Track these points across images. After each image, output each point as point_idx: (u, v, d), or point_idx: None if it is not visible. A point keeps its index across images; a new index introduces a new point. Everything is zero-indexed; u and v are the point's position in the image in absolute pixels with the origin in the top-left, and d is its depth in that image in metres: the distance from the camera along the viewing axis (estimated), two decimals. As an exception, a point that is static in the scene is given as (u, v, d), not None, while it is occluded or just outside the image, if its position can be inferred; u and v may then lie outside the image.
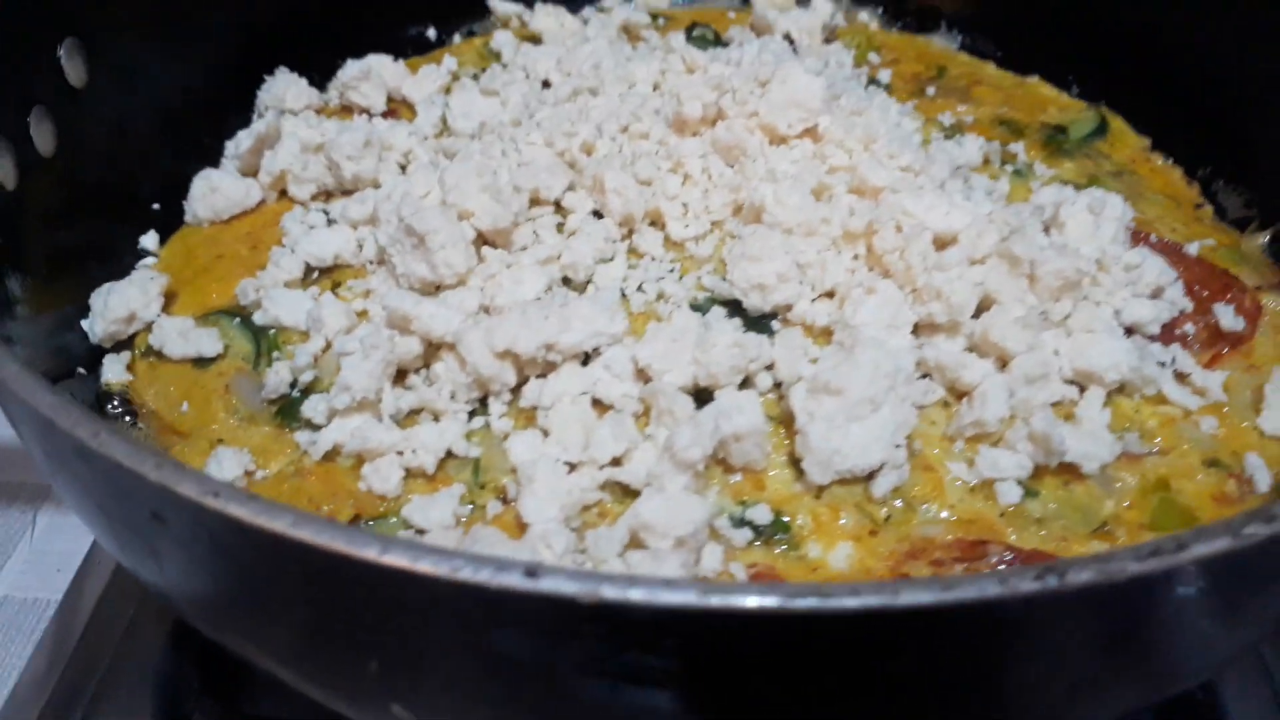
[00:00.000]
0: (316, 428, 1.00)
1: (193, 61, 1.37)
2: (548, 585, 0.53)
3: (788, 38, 1.58)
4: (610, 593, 0.52)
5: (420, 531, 0.92)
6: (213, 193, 1.26)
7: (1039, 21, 1.57)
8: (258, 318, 1.12)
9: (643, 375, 1.01)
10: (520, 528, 0.92)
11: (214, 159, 1.35)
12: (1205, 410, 1.03)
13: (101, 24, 1.21)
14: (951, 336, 1.05)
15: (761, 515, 0.93)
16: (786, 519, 0.93)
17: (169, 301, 1.16)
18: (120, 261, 1.24)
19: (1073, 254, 1.05)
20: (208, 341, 1.09)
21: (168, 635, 1.19)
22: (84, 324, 1.12)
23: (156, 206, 1.30)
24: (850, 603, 0.53)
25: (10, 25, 1.08)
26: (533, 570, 0.54)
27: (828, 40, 1.59)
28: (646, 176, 1.20)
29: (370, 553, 0.56)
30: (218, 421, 1.04)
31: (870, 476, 0.94)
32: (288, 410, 1.03)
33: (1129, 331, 1.07)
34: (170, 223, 1.29)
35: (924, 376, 1.03)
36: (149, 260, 1.25)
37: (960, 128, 1.41)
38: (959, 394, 1.02)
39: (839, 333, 1.03)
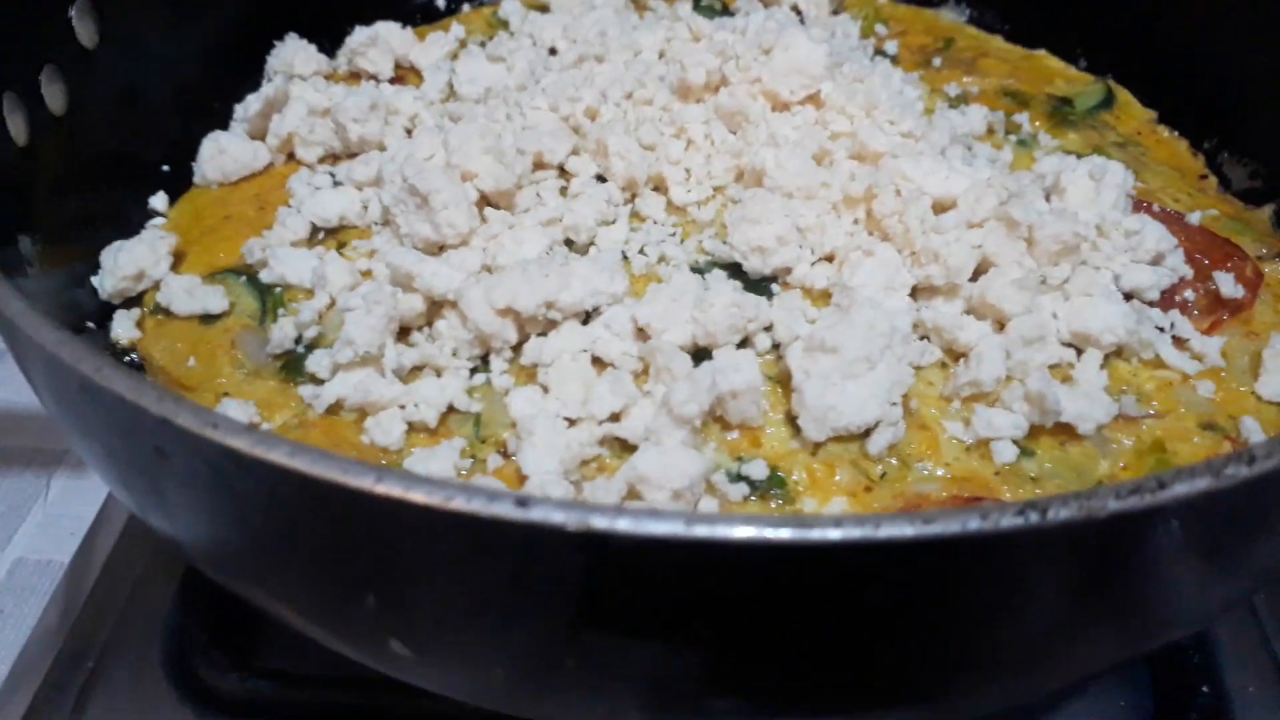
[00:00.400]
0: (320, 382, 1.02)
1: (204, 26, 1.38)
2: (538, 514, 0.54)
3: (795, 9, 1.58)
4: (599, 522, 0.53)
5: (420, 482, 0.93)
6: (221, 154, 1.27)
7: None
8: (264, 276, 1.13)
9: (642, 334, 1.02)
10: (520, 480, 0.93)
11: (223, 122, 1.37)
12: (1203, 375, 1.04)
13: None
14: (949, 299, 1.05)
15: (758, 470, 0.94)
16: (782, 474, 0.94)
17: (177, 261, 1.18)
18: (129, 221, 1.25)
19: (1071, 218, 1.05)
20: (214, 299, 1.11)
21: (176, 590, 1.21)
22: (94, 281, 1.14)
23: (166, 168, 1.31)
24: (832, 534, 0.54)
25: (22, -17, 1.09)
26: (523, 500, 0.55)
27: (835, 12, 1.60)
28: (650, 141, 1.21)
29: (365, 482, 0.58)
30: (224, 375, 1.05)
31: (866, 434, 0.95)
32: (292, 365, 1.05)
33: (1128, 297, 1.07)
34: (179, 184, 1.31)
35: (922, 338, 1.03)
36: (158, 221, 1.26)
37: (965, 98, 1.41)
38: (956, 355, 1.03)
39: (837, 294, 1.04)
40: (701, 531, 0.54)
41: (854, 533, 0.54)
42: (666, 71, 1.33)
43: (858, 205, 1.11)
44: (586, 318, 1.04)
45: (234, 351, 1.07)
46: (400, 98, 1.33)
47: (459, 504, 0.55)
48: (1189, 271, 1.12)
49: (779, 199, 1.09)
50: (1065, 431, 0.97)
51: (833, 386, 0.94)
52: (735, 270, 1.10)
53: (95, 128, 1.21)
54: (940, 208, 1.09)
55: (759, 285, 1.08)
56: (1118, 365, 1.03)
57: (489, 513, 0.54)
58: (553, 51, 1.46)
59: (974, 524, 0.55)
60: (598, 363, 1.01)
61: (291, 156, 1.31)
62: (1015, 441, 0.96)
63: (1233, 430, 0.99)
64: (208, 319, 1.11)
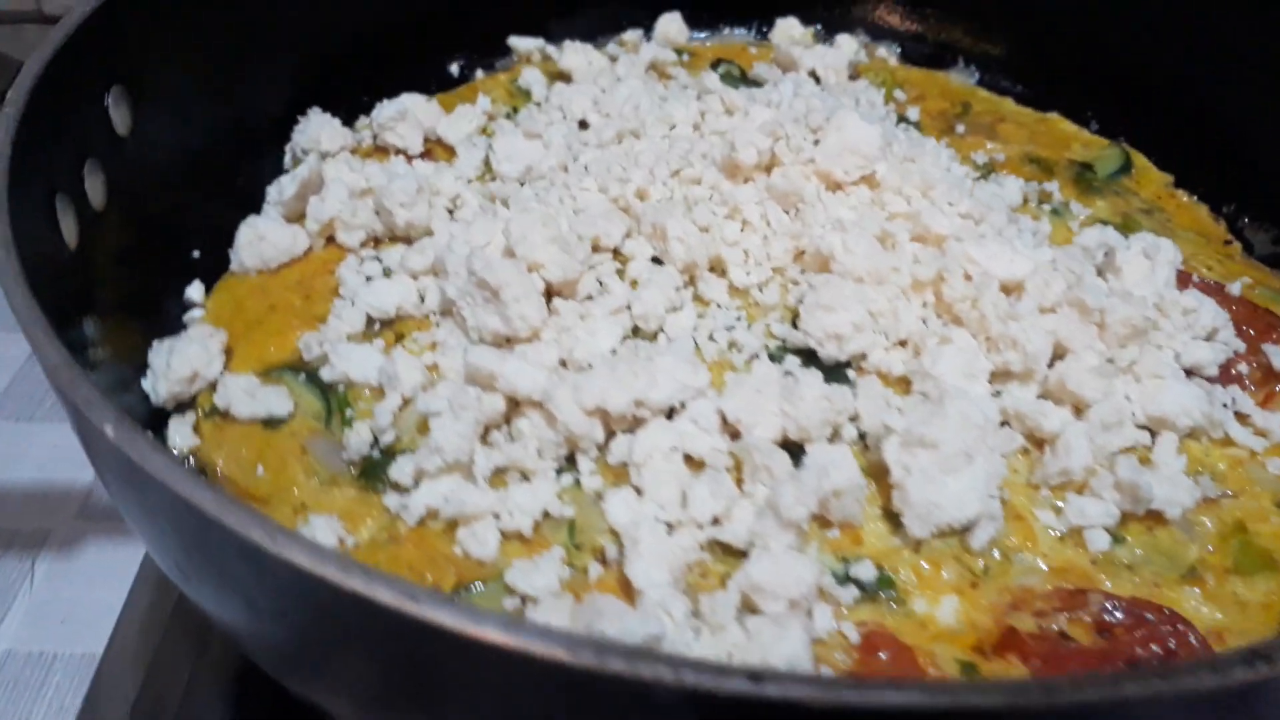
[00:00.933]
0: (404, 490, 0.99)
1: (231, 104, 1.34)
2: (775, 690, 0.53)
3: (813, 74, 1.60)
4: (851, 697, 0.52)
5: (526, 599, 0.91)
6: (260, 241, 1.23)
7: (1056, 58, 1.61)
8: (325, 374, 1.10)
9: (729, 428, 1.02)
10: (624, 589, 0.92)
11: (253, 205, 1.32)
12: (1270, 452, 1.06)
13: (146, 67, 1.18)
14: (1025, 384, 1.07)
15: (866, 572, 0.94)
16: (889, 574, 0.94)
17: (227, 357, 1.14)
18: (166, 315, 1.21)
19: (1140, 301, 1.08)
20: (277, 400, 1.07)
21: (228, 695, 1.16)
22: (144, 385, 1.09)
23: (197, 254, 1.27)
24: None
25: (65, 75, 1.04)
26: (757, 675, 0.54)
27: (853, 77, 1.61)
28: (705, 223, 1.21)
29: (503, 638, 0.56)
30: (298, 485, 1.02)
31: (966, 528, 0.96)
32: (371, 472, 1.01)
33: (1189, 374, 1.10)
34: (212, 272, 1.26)
35: (1003, 424, 1.04)
36: (195, 312, 1.21)
37: (993, 166, 1.44)
38: (1037, 441, 1.04)
39: (920, 383, 1.05)
40: (944, 700, 0.53)
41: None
42: (709, 148, 1.33)
43: (926, 289, 1.12)
44: (670, 412, 1.03)
45: (306, 458, 1.04)
46: (440, 177, 1.30)
47: (689, 679, 0.54)
48: (1241, 345, 1.15)
49: (851, 284, 1.10)
50: (1152, 516, 0.99)
51: (933, 482, 0.95)
52: (809, 356, 1.10)
53: (130, 218, 1.17)
54: (1007, 290, 1.11)
55: (835, 371, 1.08)
56: (1190, 446, 1.06)
57: (727, 690, 0.53)
58: (583, 124, 1.45)
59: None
60: (689, 460, 1.00)
61: (331, 240, 1.27)
62: (1106, 529, 0.98)
63: (1307, 508, 1.02)
64: (272, 422, 1.07)
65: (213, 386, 1.10)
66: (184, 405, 1.10)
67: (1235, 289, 1.24)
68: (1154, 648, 0.89)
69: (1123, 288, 1.14)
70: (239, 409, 1.07)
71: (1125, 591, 0.94)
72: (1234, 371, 1.13)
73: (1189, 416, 1.03)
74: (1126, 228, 1.32)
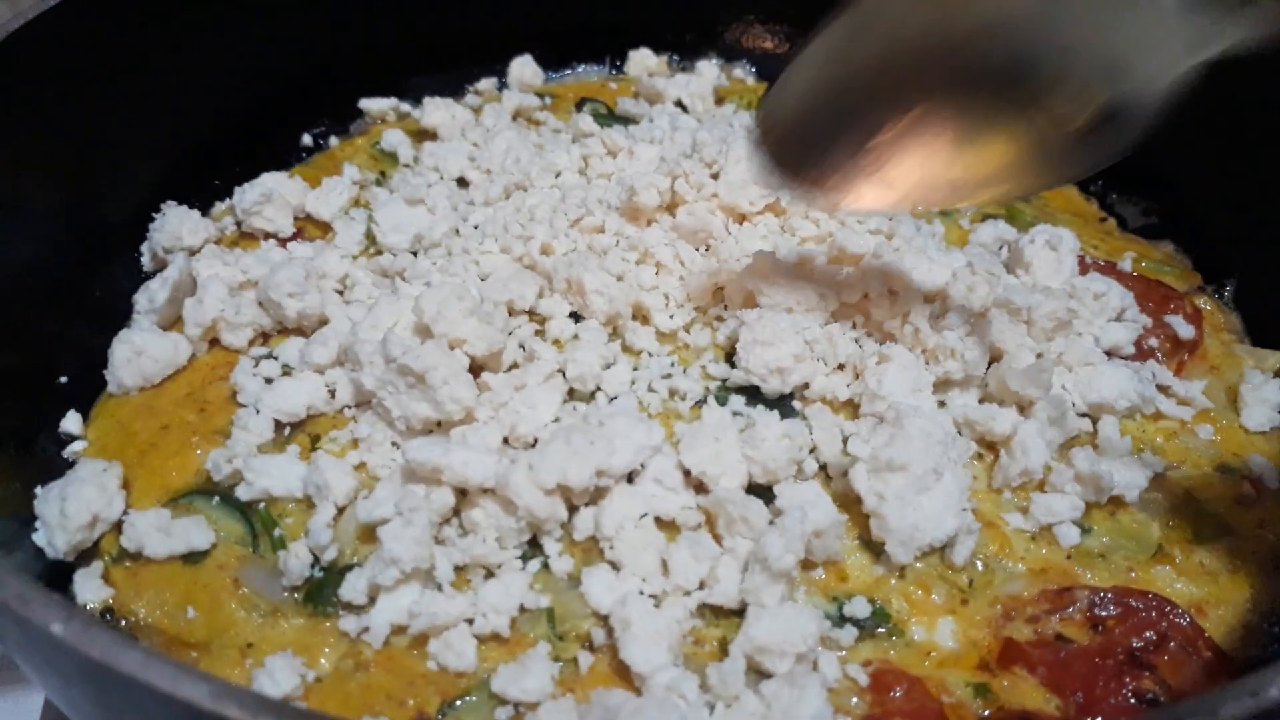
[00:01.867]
0: (359, 609, 0.90)
1: (78, 206, 1.21)
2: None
3: (679, 104, 1.58)
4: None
5: (522, 706, 0.84)
6: (139, 356, 1.12)
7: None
8: (242, 493, 1.00)
9: (693, 481, 0.98)
10: (620, 675, 0.87)
11: (114, 316, 1.20)
12: (1197, 419, 1.10)
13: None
14: (966, 390, 1.07)
15: (860, 609, 0.91)
16: (883, 607, 0.92)
17: (124, 493, 1.02)
18: (42, 454, 1.08)
19: (1059, 294, 1.10)
20: (194, 531, 0.97)
21: None
22: (35, 539, 0.97)
23: (65, 380, 1.14)
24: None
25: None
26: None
27: (718, 102, 1.61)
28: (618, 271, 1.17)
29: None
30: (236, 625, 0.92)
31: (947, 545, 0.95)
32: (317, 594, 0.93)
33: (1109, 355, 1.13)
34: (84, 398, 1.14)
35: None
36: (76, 445, 1.09)
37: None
38: (989, 445, 1.04)
39: (869, 404, 1.03)
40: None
41: None
42: (602, 192, 1.29)
43: (853, 312, 1.12)
44: (630, 476, 0.98)
45: (240, 592, 0.94)
46: (325, 259, 1.22)
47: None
48: (1148, 320, 1.19)
49: (785, 317, 1.08)
50: (1113, 502, 1.01)
51: (909, 504, 0.93)
52: (753, 393, 1.07)
53: (-18, 352, 1.04)
54: (929, 299, 1.11)
55: (781, 405, 1.06)
56: (1127, 425, 1.08)
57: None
58: (461, 182, 1.39)
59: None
60: (660, 524, 0.96)
61: (215, 343, 1.17)
62: (1074, 522, 0.99)
63: (1244, 468, 1.06)
64: (193, 557, 0.96)
65: (117, 528, 0.98)
66: (87, 554, 0.98)
67: (1126, 266, 1.29)
68: (1148, 634, 0.90)
69: (1034, 281, 1.17)
70: (153, 548, 0.95)
71: (1105, 581, 0.95)
72: (1146, 346, 1.17)
73: (1126, 398, 1.06)
74: (1012, 219, 1.36)
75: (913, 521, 0.92)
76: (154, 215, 1.30)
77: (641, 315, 1.16)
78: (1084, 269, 1.24)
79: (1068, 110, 0.86)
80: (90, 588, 0.95)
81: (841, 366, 1.09)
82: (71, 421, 1.10)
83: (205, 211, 1.36)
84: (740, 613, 0.89)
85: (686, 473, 0.99)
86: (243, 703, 0.53)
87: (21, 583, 0.58)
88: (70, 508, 0.96)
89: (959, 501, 0.95)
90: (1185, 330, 1.19)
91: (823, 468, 1.01)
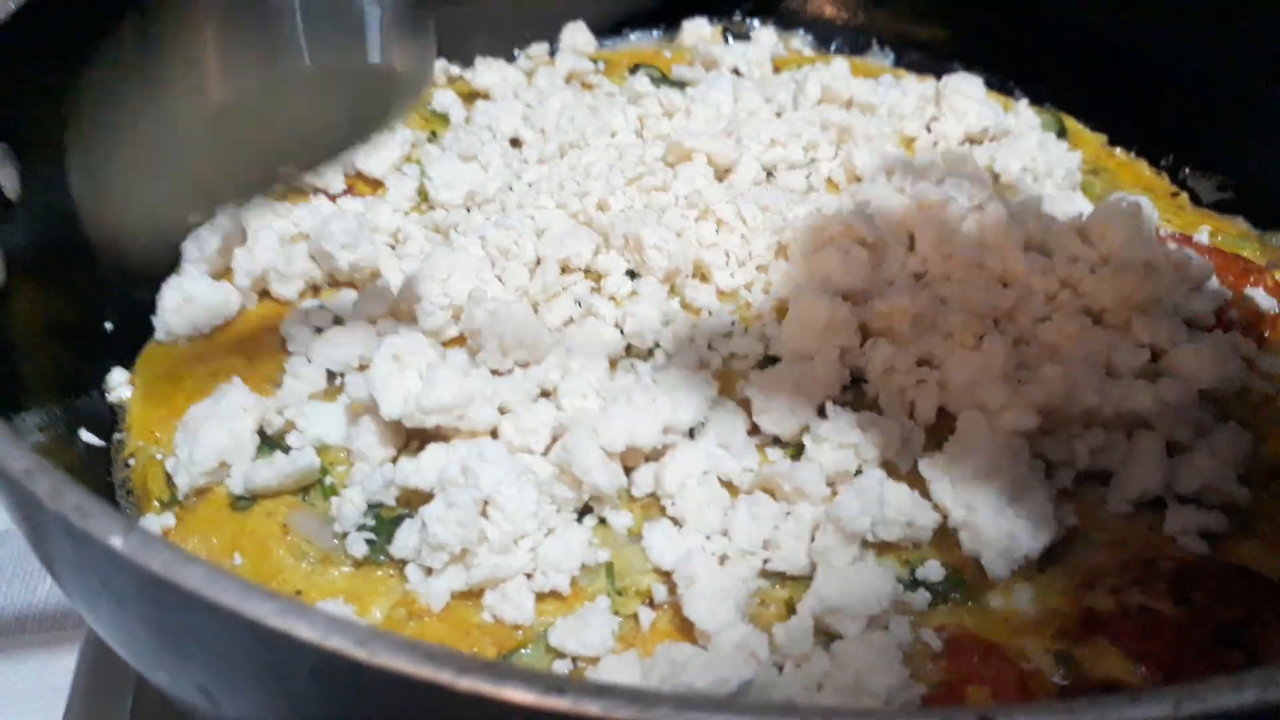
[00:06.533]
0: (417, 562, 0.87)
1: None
2: None
3: (736, 71, 1.54)
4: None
5: (580, 659, 0.81)
6: (188, 304, 1.09)
7: (972, 34, 1.60)
8: (293, 440, 0.97)
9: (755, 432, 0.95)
10: (683, 632, 0.83)
11: (165, 268, 1.18)
12: (1281, 393, 1.06)
13: (29, 121, 1.03)
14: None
15: (933, 572, 0.87)
16: (959, 571, 0.88)
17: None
18: (85, 398, 1.06)
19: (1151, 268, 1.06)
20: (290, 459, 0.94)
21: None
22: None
23: (110, 327, 1.12)
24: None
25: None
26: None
27: (775, 71, 1.57)
28: (678, 228, 1.13)
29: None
30: (285, 572, 0.89)
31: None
32: (370, 543, 0.89)
33: (1190, 325, 1.08)
34: (128, 345, 1.12)
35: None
36: (123, 392, 1.07)
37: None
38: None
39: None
40: None
41: None
42: (660, 151, 1.26)
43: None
44: (691, 432, 0.95)
45: (290, 538, 0.91)
46: (376, 213, 1.19)
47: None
48: (1228, 293, 1.14)
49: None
50: (1197, 474, 0.96)
51: (1001, 514, 0.87)
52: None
53: (29, 293, 1.02)
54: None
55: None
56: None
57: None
58: (514, 142, 1.35)
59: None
60: (722, 482, 0.92)
61: (265, 294, 1.14)
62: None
63: (1334, 444, 1.01)
64: (240, 503, 0.94)
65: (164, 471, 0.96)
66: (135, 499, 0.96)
67: (1203, 239, 1.24)
68: (1239, 608, 0.86)
69: (1109, 250, 1.12)
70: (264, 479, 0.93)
71: (1193, 554, 0.91)
72: (1227, 318, 1.13)
73: (1215, 374, 1.00)
74: (1084, 190, 1.31)
75: (1008, 531, 0.87)
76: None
77: (702, 273, 1.12)
78: (1160, 241, 1.19)
79: None
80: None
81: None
82: (117, 374, 1.08)
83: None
84: (808, 578, 0.86)
85: (751, 432, 0.95)
86: (312, 621, 0.50)
87: (79, 495, 0.56)
88: (201, 445, 0.93)
89: (1051, 507, 0.90)
90: (1268, 303, 1.14)
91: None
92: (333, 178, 1.28)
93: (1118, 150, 1.46)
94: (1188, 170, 1.40)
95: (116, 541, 0.54)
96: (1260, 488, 0.97)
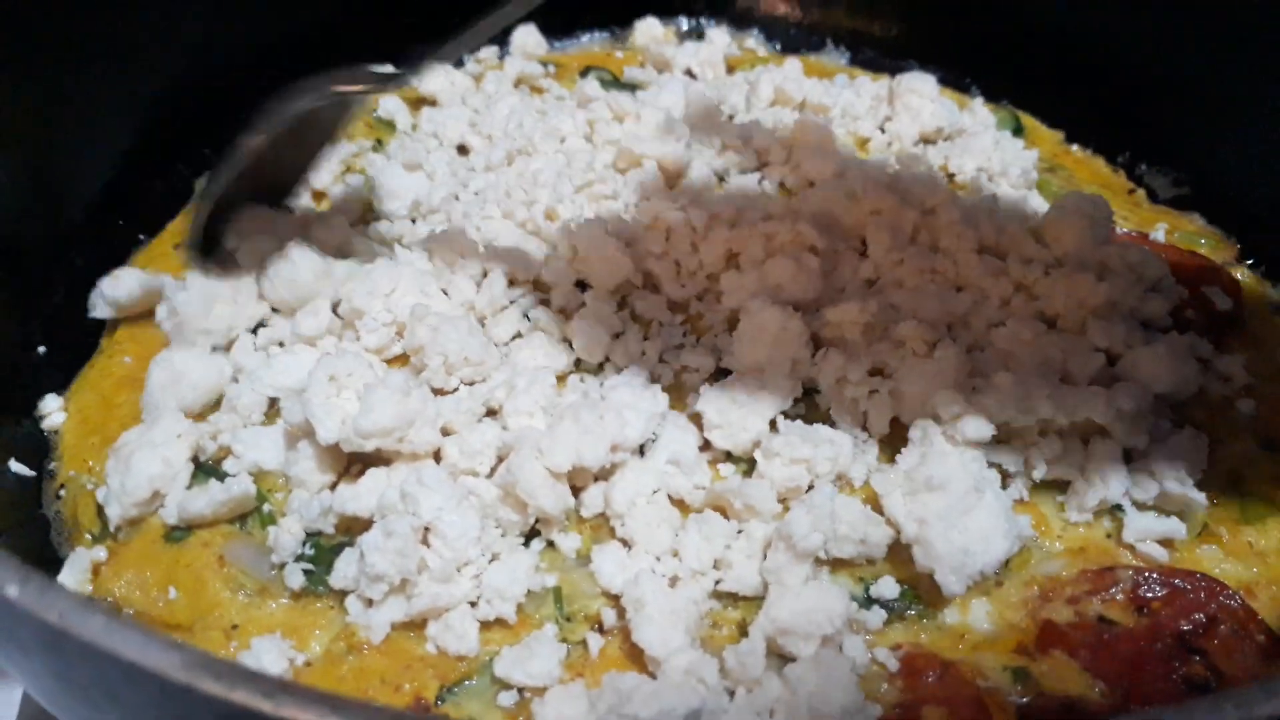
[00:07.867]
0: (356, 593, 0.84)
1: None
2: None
3: (689, 72, 1.52)
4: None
5: (527, 691, 0.79)
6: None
7: (929, 31, 1.59)
8: (229, 466, 0.94)
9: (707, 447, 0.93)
10: (632, 659, 0.81)
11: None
12: (1238, 394, 1.04)
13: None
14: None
15: (888, 589, 0.85)
16: (913, 588, 0.86)
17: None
18: (19, 429, 1.02)
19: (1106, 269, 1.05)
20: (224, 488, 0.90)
21: None
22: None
23: (43, 350, 1.08)
24: None
25: None
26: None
27: (729, 72, 1.54)
28: (627, 236, 1.11)
29: None
30: (221, 605, 0.86)
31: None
32: (308, 574, 0.86)
33: (1145, 326, 1.07)
34: (59, 373, 1.08)
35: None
36: (55, 418, 1.03)
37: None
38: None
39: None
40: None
41: None
42: (609, 157, 1.23)
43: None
44: (641, 449, 0.93)
45: (225, 570, 0.88)
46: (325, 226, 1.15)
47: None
48: (1184, 291, 1.13)
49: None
50: (1155, 479, 0.95)
51: (954, 527, 0.84)
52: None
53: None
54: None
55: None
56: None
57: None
58: (462, 149, 1.32)
59: None
60: (672, 500, 0.90)
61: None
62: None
63: (1290, 445, 1.00)
64: (174, 534, 0.90)
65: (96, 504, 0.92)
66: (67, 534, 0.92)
67: (1159, 236, 1.23)
68: (1196, 616, 0.85)
69: (1062, 252, 1.10)
70: (198, 508, 0.89)
71: (1152, 562, 0.89)
72: (1184, 317, 1.11)
73: (1171, 377, 0.98)
74: (1040, 189, 1.30)
75: (961, 545, 0.84)
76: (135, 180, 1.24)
77: (651, 283, 1.10)
78: (1116, 240, 1.18)
79: None
80: (72, 569, 0.88)
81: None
82: (51, 396, 1.04)
83: (191, 180, 1.31)
84: (761, 598, 0.83)
85: (703, 448, 0.93)
86: (218, 674, 0.47)
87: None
88: (132, 475, 0.89)
89: (1006, 519, 0.87)
90: (1224, 302, 1.13)
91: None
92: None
93: (1074, 147, 1.45)
94: (1144, 166, 1.40)
95: (12, 591, 0.51)
96: (1219, 492, 0.96)
